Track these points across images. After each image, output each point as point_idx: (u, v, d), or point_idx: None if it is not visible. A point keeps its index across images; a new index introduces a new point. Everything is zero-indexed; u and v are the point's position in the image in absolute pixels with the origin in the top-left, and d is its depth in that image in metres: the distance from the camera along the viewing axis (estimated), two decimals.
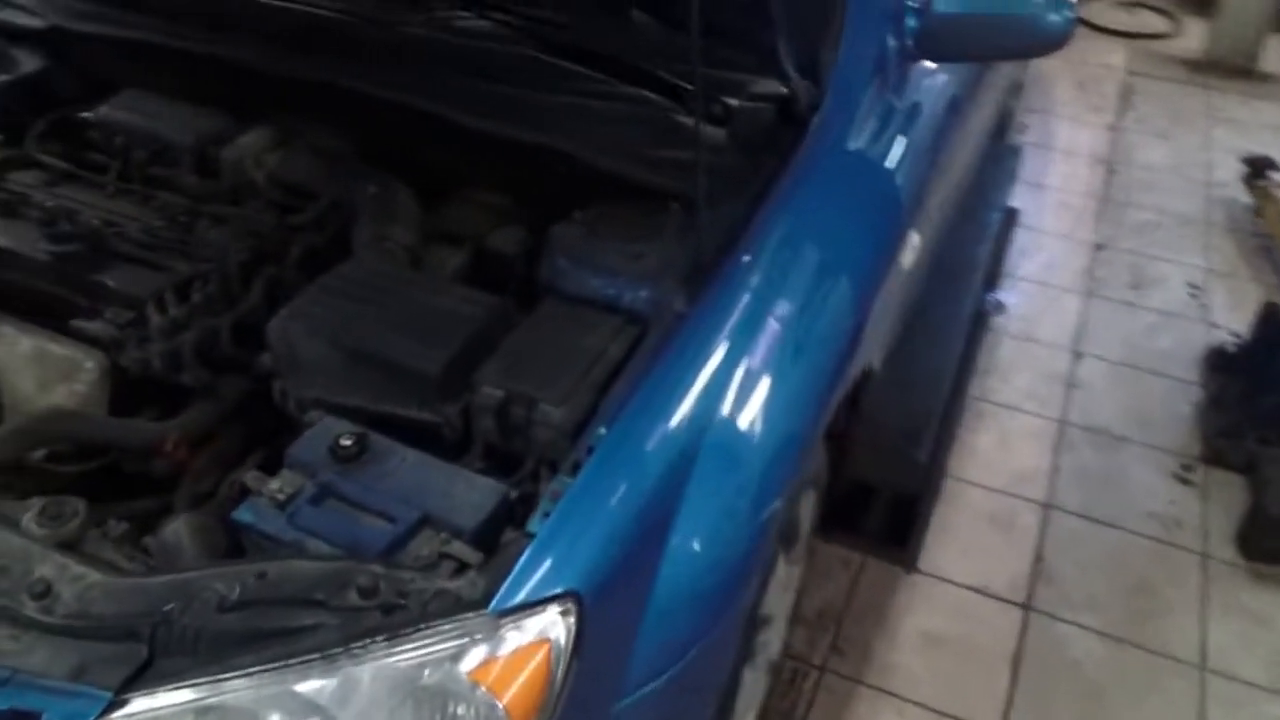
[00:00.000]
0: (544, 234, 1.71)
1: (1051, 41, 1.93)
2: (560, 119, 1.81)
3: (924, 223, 2.08)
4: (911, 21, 1.98)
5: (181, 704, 1.12)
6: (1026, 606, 2.50)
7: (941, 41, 1.96)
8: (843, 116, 1.86)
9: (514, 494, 1.35)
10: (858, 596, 2.48)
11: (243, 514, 1.32)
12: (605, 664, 1.27)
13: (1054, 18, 1.90)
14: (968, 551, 2.61)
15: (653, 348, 1.47)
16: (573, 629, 1.17)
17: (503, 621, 1.15)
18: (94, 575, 1.21)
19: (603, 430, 1.34)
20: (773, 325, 1.56)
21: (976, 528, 2.69)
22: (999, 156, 3.80)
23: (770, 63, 1.74)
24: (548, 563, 1.21)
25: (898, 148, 1.97)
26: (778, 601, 1.91)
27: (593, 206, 1.74)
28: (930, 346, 2.76)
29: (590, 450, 1.31)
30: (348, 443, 1.36)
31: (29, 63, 2.14)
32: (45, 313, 1.71)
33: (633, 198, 1.72)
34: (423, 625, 1.14)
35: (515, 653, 1.15)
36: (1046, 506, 2.79)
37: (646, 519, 1.32)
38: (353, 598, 1.17)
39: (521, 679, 1.15)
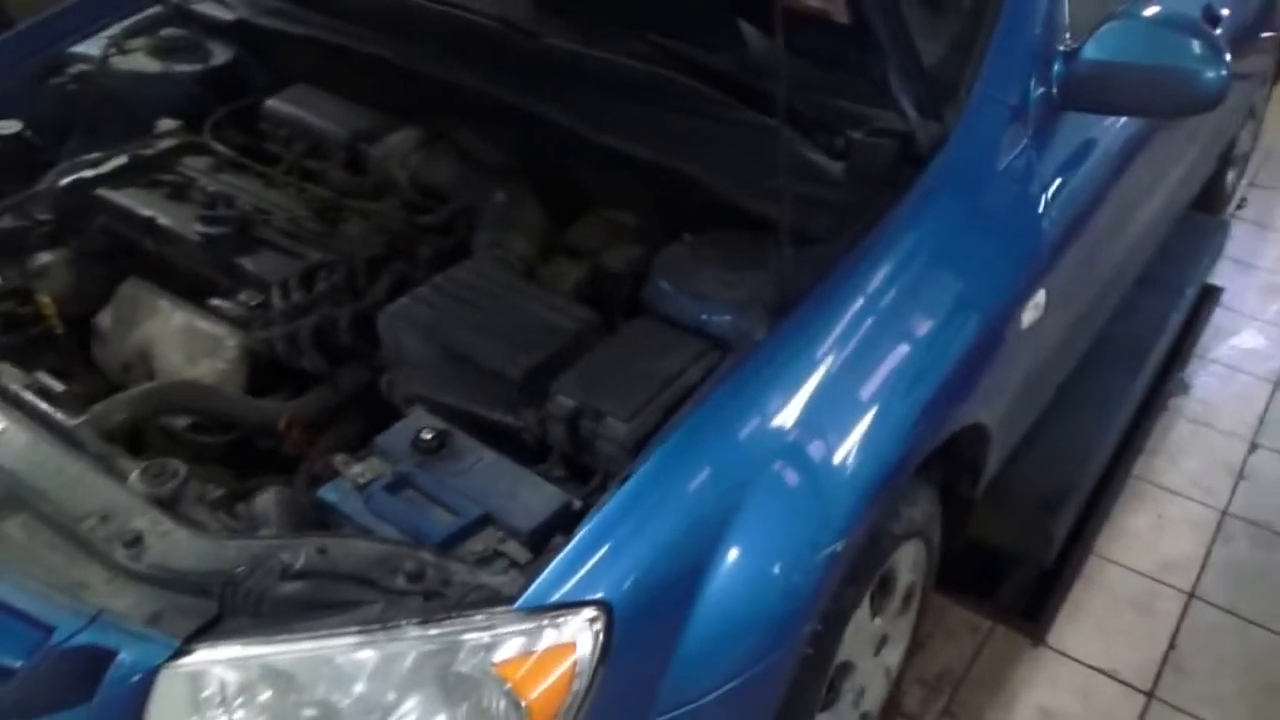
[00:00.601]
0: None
1: (1203, 100, 1.82)
2: (690, 142, 1.84)
3: (1062, 284, 1.99)
4: (1059, 67, 1.91)
5: (237, 658, 1.22)
6: (1150, 695, 2.36)
7: (1086, 91, 1.88)
8: (967, 161, 1.81)
9: (578, 504, 1.40)
10: (980, 663, 2.42)
11: (326, 493, 1.42)
12: (638, 676, 1.29)
13: (1208, 74, 1.79)
14: (1100, 632, 2.50)
15: (725, 372, 1.49)
16: (600, 637, 1.21)
17: (529, 620, 1.19)
18: (180, 532, 1.32)
19: (655, 449, 1.37)
20: (853, 361, 1.55)
21: (1113, 609, 2.57)
22: (1201, 230, 3.57)
23: (888, 96, 1.72)
24: (583, 570, 1.26)
25: (1029, 202, 1.88)
26: (861, 650, 1.87)
27: (706, 232, 1.76)
28: (1087, 418, 2.66)
29: (629, 478, 1.34)
30: (428, 437, 1.43)
31: (219, 54, 2.35)
32: (195, 290, 1.89)
33: (747, 226, 1.73)
34: (455, 614, 1.20)
35: (543, 654, 1.19)
36: (1191, 596, 2.62)
37: (691, 539, 1.33)
38: (399, 581, 1.25)
39: (547, 681, 1.19)
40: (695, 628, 1.32)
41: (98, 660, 1.23)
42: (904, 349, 1.61)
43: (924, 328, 1.65)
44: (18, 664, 1.25)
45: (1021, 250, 1.86)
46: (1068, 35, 1.98)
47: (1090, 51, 1.86)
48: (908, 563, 1.94)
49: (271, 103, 2.17)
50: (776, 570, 1.38)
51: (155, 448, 1.69)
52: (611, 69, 1.94)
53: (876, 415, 1.53)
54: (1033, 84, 1.89)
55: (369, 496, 1.39)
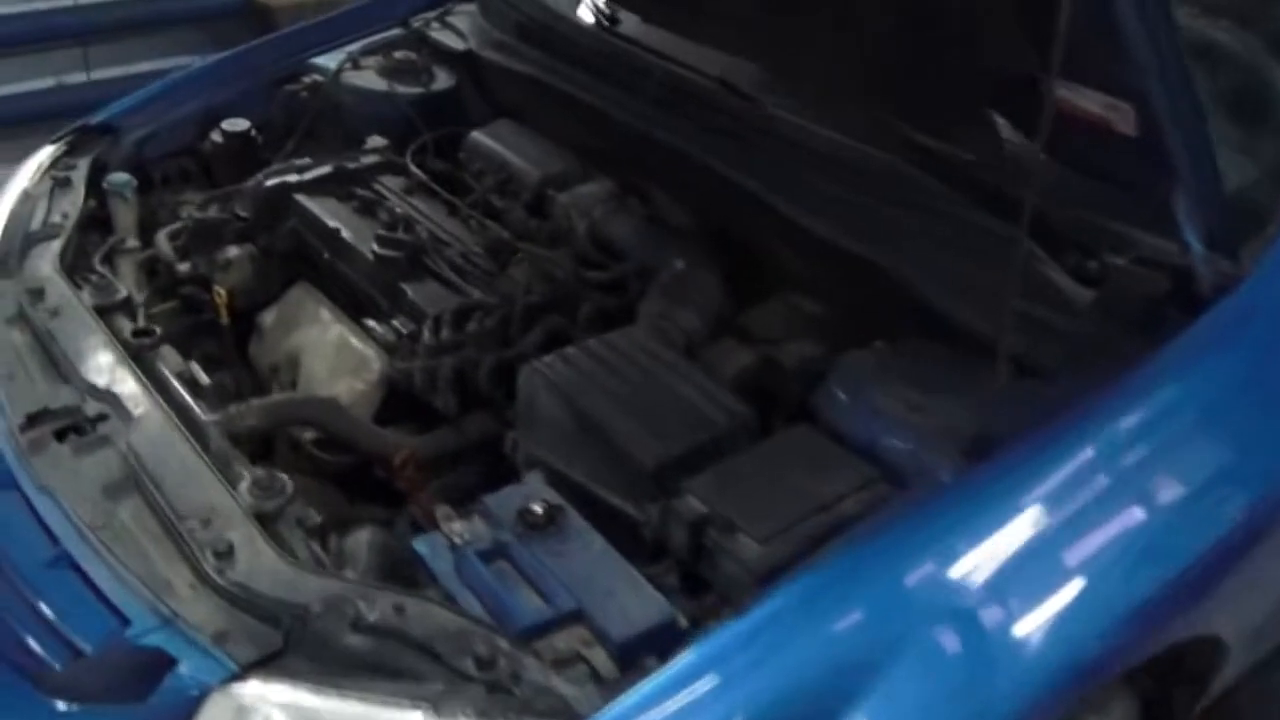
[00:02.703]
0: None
1: None
2: (900, 236, 1.70)
3: None
4: None
5: (286, 703, 1.19)
6: None
7: None
8: (1265, 313, 1.51)
9: (684, 622, 1.27)
10: None
11: (420, 544, 1.39)
12: None
13: None
14: None
15: (896, 513, 1.32)
16: None
17: None
18: (269, 555, 1.32)
19: (793, 586, 1.23)
20: (1066, 521, 1.30)
21: None
22: None
23: (1167, 221, 1.48)
24: (674, 703, 1.12)
25: None
26: None
27: (902, 340, 1.64)
28: None
29: (767, 605, 1.21)
30: (537, 510, 1.37)
31: (441, 80, 2.43)
32: (358, 307, 1.94)
33: (954, 342, 1.58)
34: (514, 718, 1.13)
35: None
36: None
37: (818, 693, 1.15)
38: (467, 664, 1.18)
39: None
40: None
41: (158, 664, 1.23)
42: (1136, 518, 1.33)
43: (1169, 498, 1.36)
44: (88, 646, 1.29)
45: None
46: None
47: None
48: None
49: (475, 135, 2.21)
50: None
51: (279, 455, 1.72)
52: (829, 146, 1.85)
53: (1081, 593, 1.27)
54: None
55: (461, 559, 1.34)
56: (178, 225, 2.10)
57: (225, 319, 1.97)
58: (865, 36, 1.71)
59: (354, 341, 1.88)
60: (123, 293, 1.82)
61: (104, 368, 1.62)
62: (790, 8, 1.75)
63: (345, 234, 1.95)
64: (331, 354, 1.89)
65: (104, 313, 1.76)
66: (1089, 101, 1.44)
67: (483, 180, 2.13)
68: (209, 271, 2.00)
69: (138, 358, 1.66)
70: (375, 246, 1.88)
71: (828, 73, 1.88)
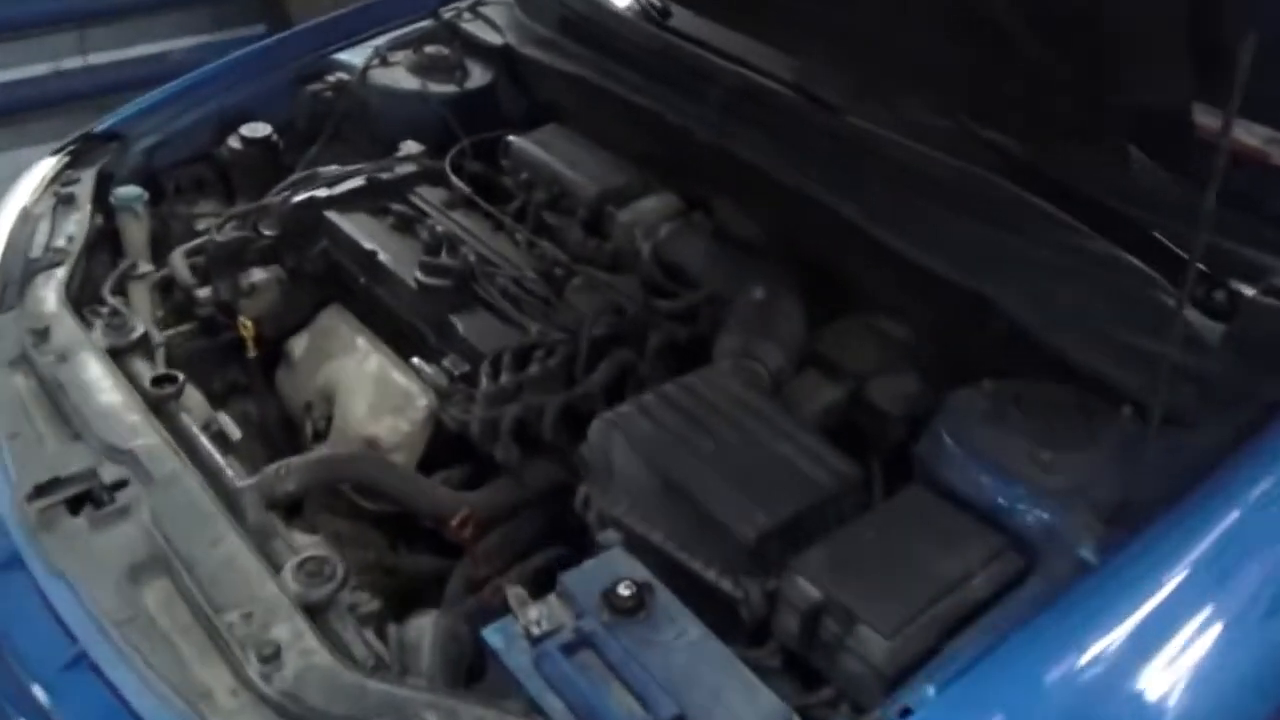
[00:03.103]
0: (939, 396, 1.47)
1: None
2: (1004, 263, 1.55)
3: None
4: None
5: None
6: None
7: None
8: None
9: None
10: None
11: (493, 635, 1.21)
12: None
13: None
14: None
15: (1036, 598, 1.17)
16: None
17: None
18: (321, 655, 1.16)
19: (930, 691, 1.07)
20: (1216, 616, 1.17)
21: None
22: None
23: None
24: None
25: None
26: None
27: (1012, 380, 1.47)
28: None
29: (906, 714, 1.07)
30: (626, 593, 1.20)
31: (477, 77, 2.24)
32: (399, 335, 1.76)
33: (1070, 384, 1.43)
34: None
35: None
36: None
37: None
38: None
39: None
40: None
41: None
42: None
43: None
44: None
45: None
46: None
47: None
48: None
49: (520, 142, 2.03)
50: None
51: (312, 498, 1.57)
52: (925, 162, 1.68)
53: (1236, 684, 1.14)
54: None
55: (541, 655, 1.17)
56: (195, 243, 1.92)
57: (253, 351, 1.80)
58: (979, 49, 1.52)
59: (395, 375, 1.71)
60: (138, 330, 1.64)
61: (121, 423, 1.44)
62: (892, 12, 1.56)
63: (383, 257, 1.77)
64: (371, 389, 1.72)
65: (118, 355, 1.58)
66: (1249, 135, 1.28)
67: (532, 193, 1.94)
68: (232, 297, 1.83)
69: (159, 409, 1.49)
70: (419, 274, 1.70)
71: (927, 84, 1.70)
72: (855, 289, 1.76)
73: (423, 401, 1.65)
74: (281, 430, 1.90)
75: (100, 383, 1.51)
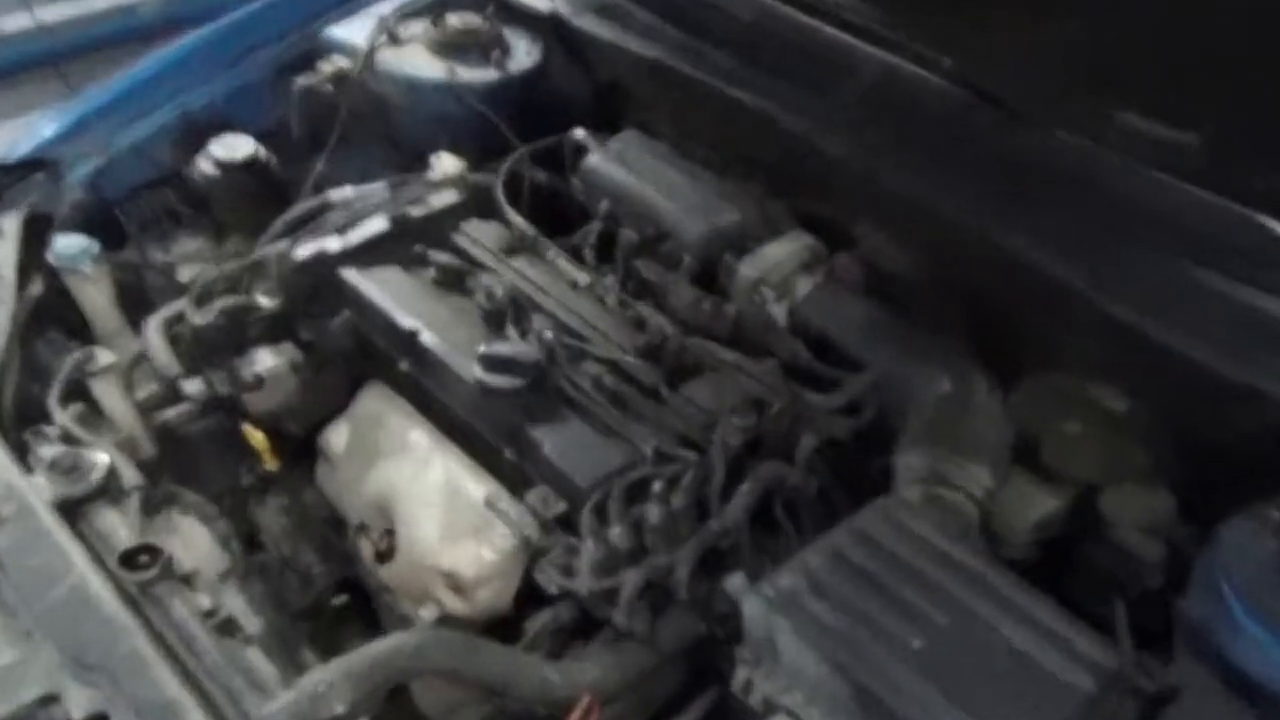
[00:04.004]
0: (1198, 522, 1.14)
1: None
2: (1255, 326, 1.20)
3: None
4: None
5: None
6: None
7: None
8: None
9: None
10: None
11: None
12: None
13: None
14: None
15: None
16: None
17: None
18: None
19: None
20: None
21: None
22: None
23: None
24: None
25: None
26: None
27: None
28: None
29: None
30: None
31: (522, 55, 1.79)
32: (463, 433, 1.37)
33: None
34: None
35: None
36: None
37: None
38: None
39: None
40: None
41: None
42: None
43: None
44: None
45: None
46: None
47: None
48: None
49: (596, 161, 1.59)
50: None
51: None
52: (1161, 195, 1.27)
53: None
54: None
55: None
56: (177, 306, 1.48)
57: (273, 464, 1.40)
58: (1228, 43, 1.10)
59: (469, 485, 1.33)
60: (101, 465, 1.22)
61: (89, 628, 1.05)
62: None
63: (429, 340, 1.36)
64: (439, 503, 1.35)
65: (76, 513, 1.17)
66: None
67: (620, 233, 1.51)
68: (233, 391, 1.41)
69: (136, 599, 1.09)
70: (481, 372, 1.27)
71: (1151, 87, 1.26)
72: (1046, 347, 1.37)
73: (511, 525, 1.25)
74: (331, 531, 1.51)
75: (53, 562, 1.10)
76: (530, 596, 1.29)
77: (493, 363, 1.28)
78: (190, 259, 1.67)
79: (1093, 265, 1.29)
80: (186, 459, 1.47)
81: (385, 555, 1.40)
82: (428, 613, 1.33)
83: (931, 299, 1.46)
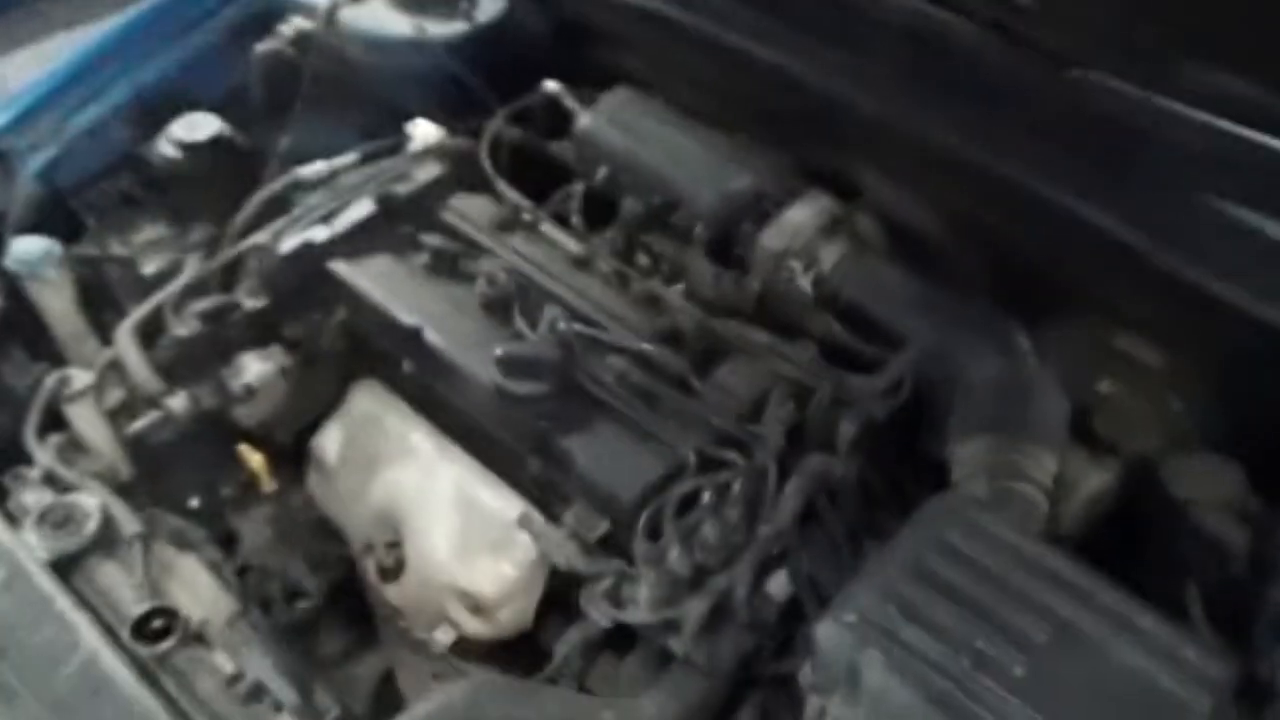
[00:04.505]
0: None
1: None
2: None
3: None
4: None
5: None
6: None
7: None
8: None
9: None
10: None
11: None
12: None
13: None
14: None
15: None
16: None
17: None
18: None
19: None
20: None
21: None
22: None
23: None
24: None
25: None
26: None
27: None
28: None
29: None
30: None
31: (488, 2, 1.64)
32: (473, 436, 1.27)
33: None
34: None
35: None
36: None
37: None
38: None
39: None
40: None
41: None
42: None
43: None
44: None
45: None
46: None
47: None
48: None
49: (589, 124, 1.46)
50: None
51: None
52: (1217, 143, 1.19)
53: None
54: None
55: None
56: (148, 307, 1.36)
57: (270, 485, 1.29)
58: None
59: (483, 494, 1.24)
60: (94, 514, 1.10)
61: (108, 713, 0.95)
62: None
63: (434, 338, 1.24)
64: (451, 516, 1.26)
65: (70, 570, 1.07)
66: None
67: (624, 202, 1.39)
68: (220, 404, 1.30)
69: (153, 673, 0.99)
70: (501, 377, 1.17)
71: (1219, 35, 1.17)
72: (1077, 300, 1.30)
73: (530, 536, 1.16)
74: (321, 541, 1.42)
75: (58, 637, 1.00)
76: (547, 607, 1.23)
77: (512, 366, 1.17)
78: (152, 249, 1.53)
79: (1145, 216, 1.22)
80: (160, 469, 1.37)
81: (392, 572, 1.30)
82: (443, 635, 1.24)
83: (956, 254, 1.38)
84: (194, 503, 1.46)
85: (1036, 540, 1.03)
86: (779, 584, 1.12)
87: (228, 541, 1.38)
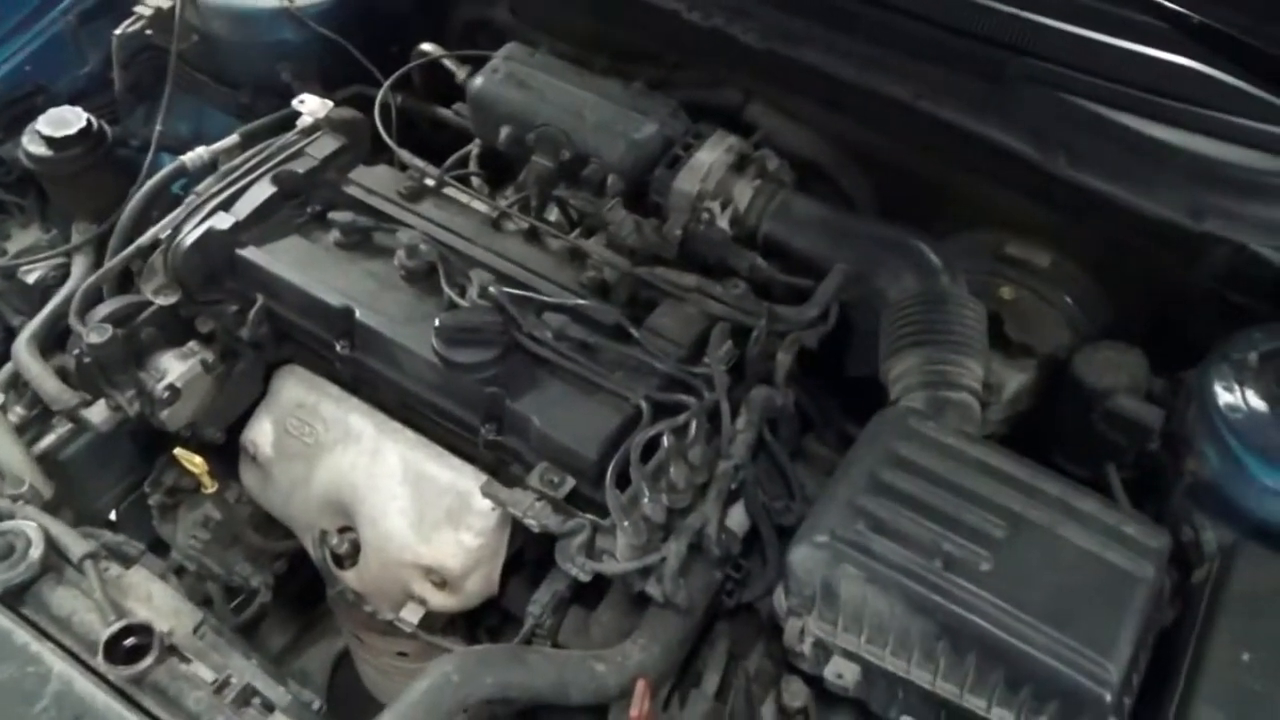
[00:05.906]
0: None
1: None
2: (1226, 189, 1.19)
3: None
4: None
5: None
6: None
7: None
8: None
9: None
10: None
11: None
12: None
13: None
14: None
15: None
16: None
17: None
18: None
19: None
20: None
21: None
22: None
23: None
24: None
25: None
26: None
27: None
28: None
29: None
30: None
31: None
32: (410, 410, 1.25)
33: None
34: None
35: None
36: None
37: None
38: None
39: None
40: None
41: None
42: None
43: None
44: None
45: None
46: None
47: None
48: None
49: (484, 84, 1.40)
50: None
51: None
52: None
53: None
54: None
55: None
56: (45, 315, 1.28)
57: (211, 487, 1.23)
58: None
59: (432, 468, 1.22)
60: (36, 539, 1.03)
61: None
62: None
63: (366, 317, 1.20)
64: (404, 496, 1.22)
65: (20, 600, 1.01)
66: None
67: (534, 160, 1.36)
68: (146, 409, 1.23)
69: (137, 691, 0.95)
70: (441, 347, 1.14)
71: None
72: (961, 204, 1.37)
73: (485, 503, 1.15)
74: (260, 535, 1.38)
75: (23, 672, 0.94)
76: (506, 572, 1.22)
77: (453, 335, 1.14)
78: (30, 254, 1.43)
79: (1024, 124, 1.27)
80: (76, 484, 1.31)
81: (348, 558, 1.27)
82: (410, 614, 1.23)
83: (848, 177, 1.42)
84: (113, 515, 1.41)
85: (978, 442, 1.09)
86: (737, 517, 1.15)
87: (154, 549, 1.33)
